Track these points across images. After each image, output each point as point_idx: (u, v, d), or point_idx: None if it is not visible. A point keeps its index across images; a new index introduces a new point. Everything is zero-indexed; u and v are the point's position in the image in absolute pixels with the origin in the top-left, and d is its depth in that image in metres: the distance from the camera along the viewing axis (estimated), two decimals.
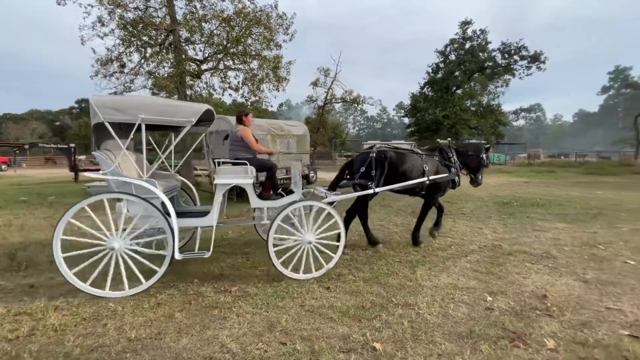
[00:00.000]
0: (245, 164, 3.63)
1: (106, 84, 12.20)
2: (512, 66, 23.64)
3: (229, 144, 4.02)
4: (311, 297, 3.15)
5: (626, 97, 52.90)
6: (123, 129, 3.35)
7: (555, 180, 17.12)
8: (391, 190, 4.41)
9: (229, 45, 12.06)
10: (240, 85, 13.21)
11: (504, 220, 6.65)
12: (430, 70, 25.74)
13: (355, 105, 24.93)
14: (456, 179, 4.82)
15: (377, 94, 32.89)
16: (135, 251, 3.23)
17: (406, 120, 26.89)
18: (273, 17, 12.55)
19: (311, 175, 11.97)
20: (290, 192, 3.99)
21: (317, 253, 3.61)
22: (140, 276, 3.15)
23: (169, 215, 3.20)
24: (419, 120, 25.19)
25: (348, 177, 4.48)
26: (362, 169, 4.24)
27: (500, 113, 24.82)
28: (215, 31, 12.10)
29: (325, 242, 3.61)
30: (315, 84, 24.61)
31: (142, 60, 11.81)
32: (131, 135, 3.32)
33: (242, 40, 11.88)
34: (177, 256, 3.22)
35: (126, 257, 3.16)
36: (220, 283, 3.46)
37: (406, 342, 2.39)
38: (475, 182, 5.18)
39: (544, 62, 22.43)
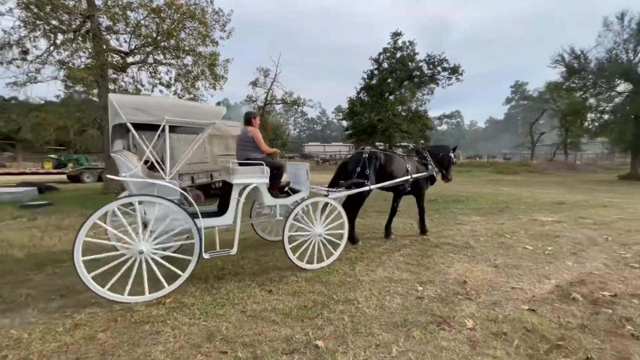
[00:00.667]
0: (262, 164, 3.80)
1: (2, 73, 10.35)
2: (436, 76, 26.18)
3: (238, 144, 4.12)
4: (253, 301, 3.08)
5: (524, 108, 62.24)
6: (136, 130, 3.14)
7: (471, 178, 19.38)
8: (381, 188, 4.85)
9: (159, 38, 11.18)
10: (173, 82, 12.35)
11: (431, 215, 7.29)
12: (365, 77, 27.16)
13: (296, 107, 25.08)
14: (434, 174, 5.50)
15: (317, 97, 33.65)
16: (161, 255, 3.21)
17: (344, 123, 27.97)
18: (209, 12, 12.00)
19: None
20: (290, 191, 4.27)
21: (326, 244, 4.01)
22: (163, 280, 3.14)
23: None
24: (356, 124, 26.37)
25: (343, 177, 4.84)
26: (358, 169, 4.67)
27: (427, 118, 27.23)
28: (143, 21, 11.10)
29: (333, 232, 4.07)
30: (254, 84, 24.13)
31: (52, 48, 10.30)
32: (156, 136, 3.20)
33: (175, 34, 11.12)
34: (205, 255, 3.35)
35: (150, 261, 3.12)
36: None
37: (347, 337, 2.48)
38: (446, 178, 5.83)
39: (461, 74, 25.33)
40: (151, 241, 3.12)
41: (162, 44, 11.23)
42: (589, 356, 2.26)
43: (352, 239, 4.96)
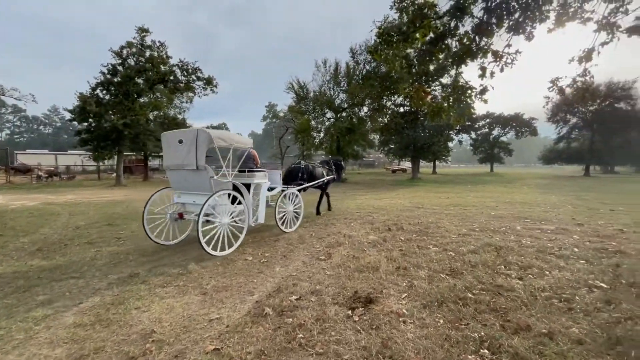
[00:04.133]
0: (264, 171, 6.29)
1: None
2: (191, 84, 25.27)
3: (244, 159, 6.01)
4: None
5: (275, 125, 73.71)
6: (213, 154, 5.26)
7: None
8: (312, 186, 7.96)
9: None
10: None
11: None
12: (106, 71, 22.09)
13: None
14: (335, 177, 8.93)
15: (49, 90, 24.03)
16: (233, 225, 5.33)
17: (79, 125, 21.48)
18: None
19: None
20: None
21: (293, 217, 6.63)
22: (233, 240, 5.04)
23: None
24: (94, 127, 20.84)
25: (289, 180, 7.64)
26: (300, 174, 7.68)
27: (185, 127, 25.78)
28: None
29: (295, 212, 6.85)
30: None
31: None
32: (230, 156, 5.32)
33: None
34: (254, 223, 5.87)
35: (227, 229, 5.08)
36: None
37: None
38: (340, 178, 9.63)
39: (215, 86, 25.85)
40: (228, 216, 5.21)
41: None
42: None
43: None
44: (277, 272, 4.14)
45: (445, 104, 5.24)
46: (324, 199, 8.83)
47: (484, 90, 4.94)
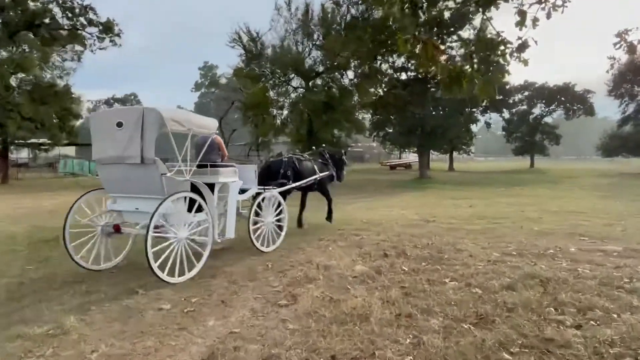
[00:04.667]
0: (233, 167, 6.80)
1: None
2: (79, 31, 24.22)
3: (205, 150, 6.41)
4: None
5: (214, 98, 72.67)
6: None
7: None
8: (299, 186, 8.57)
9: None
10: None
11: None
12: None
13: None
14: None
15: None
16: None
17: None
18: None
19: None
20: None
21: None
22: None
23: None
24: None
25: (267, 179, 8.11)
26: (282, 171, 8.21)
27: (70, 99, 24.74)
28: None
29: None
30: None
31: None
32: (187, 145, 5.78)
33: None
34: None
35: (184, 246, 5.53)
36: None
37: None
38: (341, 178, 10.48)
39: (118, 36, 24.95)
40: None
41: None
42: None
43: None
44: (210, 329, 3.99)
45: (467, 67, 5.24)
46: (326, 206, 9.48)
47: (523, 46, 4.95)
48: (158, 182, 5.24)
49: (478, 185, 22.81)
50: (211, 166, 6.31)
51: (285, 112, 25.58)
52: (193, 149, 6.16)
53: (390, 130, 33.05)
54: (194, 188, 5.77)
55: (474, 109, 33.88)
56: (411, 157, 49.55)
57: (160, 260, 5.08)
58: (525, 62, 4.97)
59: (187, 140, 5.71)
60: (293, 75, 25.92)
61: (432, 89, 27.00)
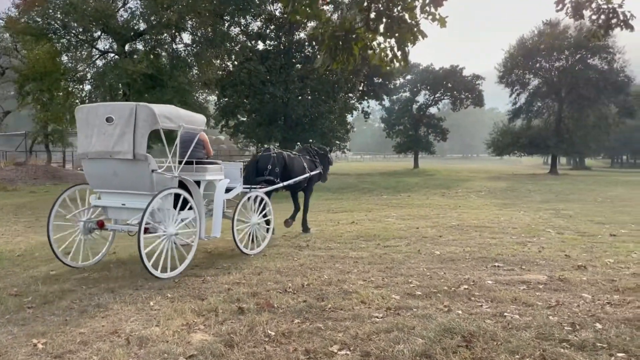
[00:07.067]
0: (219, 164, 8.62)
1: None
2: None
3: (193, 145, 7.88)
4: None
5: None
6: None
7: None
8: (288, 185, 10.55)
9: None
10: None
11: None
12: None
13: None
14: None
15: None
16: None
17: None
18: None
19: None
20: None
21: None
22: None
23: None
24: None
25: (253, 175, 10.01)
26: (270, 168, 9.82)
27: None
28: None
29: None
30: None
31: None
32: (177, 142, 7.57)
33: None
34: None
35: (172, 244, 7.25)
36: None
37: None
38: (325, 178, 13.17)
39: None
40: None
41: None
42: None
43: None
44: None
45: (361, 22, 4.65)
46: (298, 207, 11.34)
47: None
48: (148, 179, 6.70)
49: (358, 192, 23.42)
50: (197, 163, 7.95)
51: (88, 87, 23.19)
52: (182, 146, 7.60)
53: (244, 119, 32.53)
54: (182, 185, 7.24)
55: (350, 94, 34.83)
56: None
57: (153, 258, 6.66)
58: (442, 22, 4.65)
59: (177, 137, 7.43)
60: (100, 33, 23.96)
61: (299, 65, 27.13)
